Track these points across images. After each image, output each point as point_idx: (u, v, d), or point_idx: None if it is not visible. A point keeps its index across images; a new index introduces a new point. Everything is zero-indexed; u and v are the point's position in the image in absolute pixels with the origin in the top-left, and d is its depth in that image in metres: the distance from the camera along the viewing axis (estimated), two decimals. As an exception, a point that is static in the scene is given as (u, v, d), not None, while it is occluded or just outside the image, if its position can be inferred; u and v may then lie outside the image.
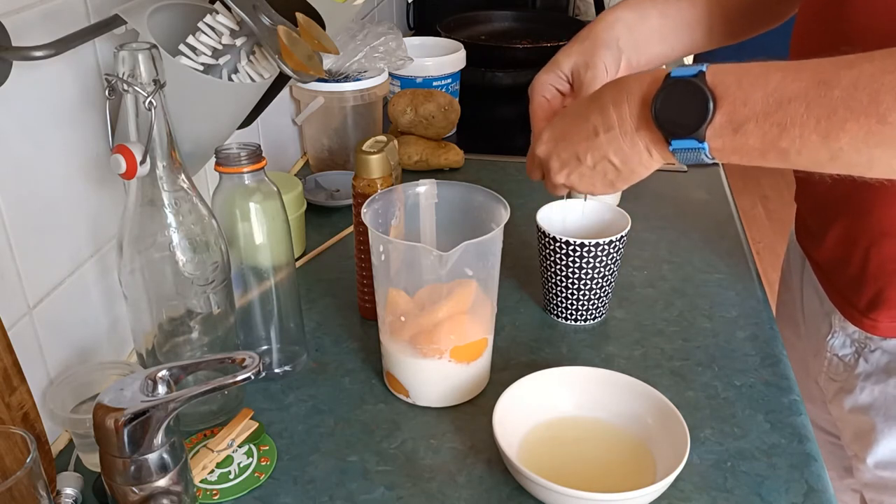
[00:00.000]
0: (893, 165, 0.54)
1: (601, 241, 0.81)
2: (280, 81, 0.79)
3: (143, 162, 0.61)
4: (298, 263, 0.98)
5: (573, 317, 0.87)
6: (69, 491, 0.64)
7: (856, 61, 0.53)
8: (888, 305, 0.76)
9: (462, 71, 1.43)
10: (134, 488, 0.53)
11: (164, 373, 0.53)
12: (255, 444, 0.70)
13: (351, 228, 0.99)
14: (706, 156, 0.58)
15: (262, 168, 0.71)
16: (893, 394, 0.79)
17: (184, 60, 0.70)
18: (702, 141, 0.57)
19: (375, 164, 0.80)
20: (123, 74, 0.60)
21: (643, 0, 0.83)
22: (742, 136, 0.56)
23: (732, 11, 0.85)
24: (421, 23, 1.83)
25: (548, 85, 0.79)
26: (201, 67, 0.71)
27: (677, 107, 0.57)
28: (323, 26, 0.78)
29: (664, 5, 0.83)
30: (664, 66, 0.70)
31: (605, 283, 0.84)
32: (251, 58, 0.74)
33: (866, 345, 0.80)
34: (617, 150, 0.61)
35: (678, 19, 0.83)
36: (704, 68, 0.57)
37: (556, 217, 0.87)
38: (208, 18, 0.70)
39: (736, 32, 0.86)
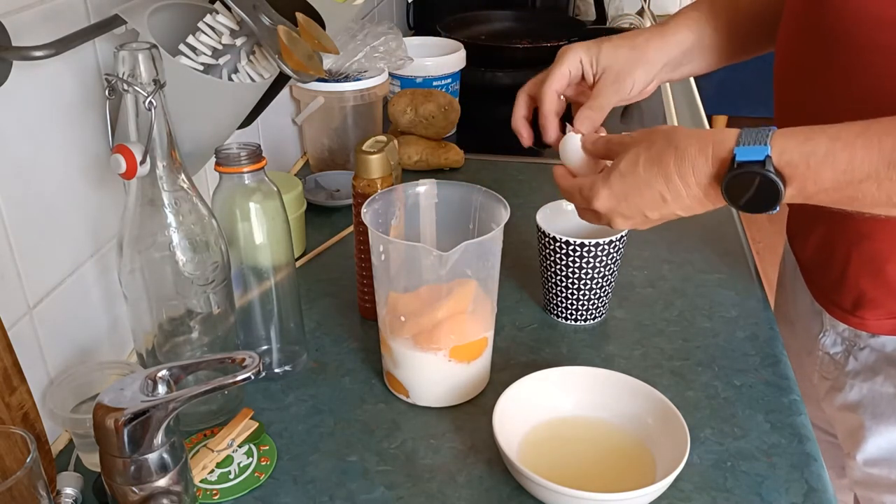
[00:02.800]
0: None
1: (601, 241, 0.81)
2: (280, 81, 0.79)
3: (143, 162, 0.61)
4: (298, 263, 0.98)
5: (573, 317, 0.87)
6: (69, 491, 0.64)
7: None
8: (872, 305, 0.77)
9: (462, 71, 1.43)
10: (134, 488, 0.53)
11: (164, 373, 0.53)
12: (255, 444, 0.70)
13: (351, 228, 0.99)
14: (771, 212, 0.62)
15: (262, 168, 0.71)
16: (881, 391, 0.79)
17: (184, 60, 0.70)
18: (773, 209, 0.61)
19: (375, 164, 0.81)
20: (123, 74, 0.60)
21: (696, 16, 0.84)
22: (811, 202, 0.61)
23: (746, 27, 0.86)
24: (421, 23, 1.83)
25: (577, 62, 0.80)
26: (201, 67, 0.71)
27: (747, 190, 0.60)
28: (323, 26, 0.78)
29: (714, 21, 0.84)
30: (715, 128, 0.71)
31: (605, 283, 0.84)
32: (251, 58, 0.74)
33: (856, 343, 0.81)
34: (685, 209, 0.65)
35: (711, 39, 0.85)
36: (769, 150, 0.58)
37: (556, 217, 0.87)
38: (208, 18, 0.70)
39: (745, 50, 0.88)
